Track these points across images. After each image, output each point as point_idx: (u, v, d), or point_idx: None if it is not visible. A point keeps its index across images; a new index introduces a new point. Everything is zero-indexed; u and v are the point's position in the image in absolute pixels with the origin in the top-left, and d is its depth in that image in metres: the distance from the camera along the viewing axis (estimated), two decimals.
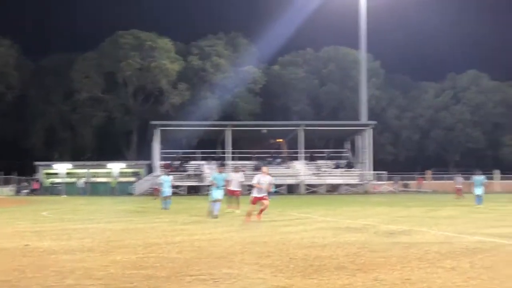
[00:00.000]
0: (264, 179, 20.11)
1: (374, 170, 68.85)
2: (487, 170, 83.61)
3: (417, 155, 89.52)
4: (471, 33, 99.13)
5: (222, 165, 48.79)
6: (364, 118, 71.51)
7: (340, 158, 73.70)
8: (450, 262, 10.69)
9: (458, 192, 43.86)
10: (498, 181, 76.56)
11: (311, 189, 63.21)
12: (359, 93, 73.99)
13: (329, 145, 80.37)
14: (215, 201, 22.12)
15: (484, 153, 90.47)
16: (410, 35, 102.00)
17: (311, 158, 71.40)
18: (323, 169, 68.87)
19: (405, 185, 73.77)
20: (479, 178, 31.20)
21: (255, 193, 20.03)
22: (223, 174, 23.82)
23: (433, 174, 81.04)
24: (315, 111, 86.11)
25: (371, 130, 68.71)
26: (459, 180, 45.42)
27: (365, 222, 20.12)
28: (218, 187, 22.44)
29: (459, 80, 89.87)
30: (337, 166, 70.21)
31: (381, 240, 14.36)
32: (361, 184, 66.77)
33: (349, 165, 71.14)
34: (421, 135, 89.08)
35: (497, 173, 78.94)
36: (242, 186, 28.06)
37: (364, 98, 72.39)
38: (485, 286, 8.35)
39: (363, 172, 68.12)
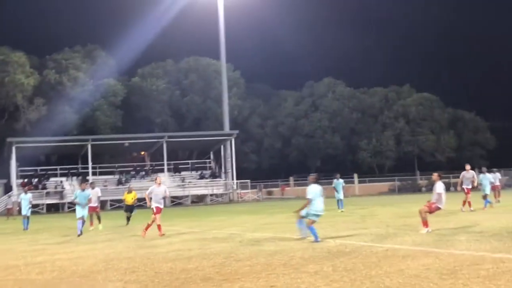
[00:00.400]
0: (158, 190, 19.72)
1: (238, 179, 69.54)
2: (346, 174, 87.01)
3: (280, 162, 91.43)
4: (327, 42, 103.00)
5: (85, 181, 47.36)
6: (226, 128, 72.07)
7: (204, 168, 73.88)
8: (313, 266, 10.90)
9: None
10: (356, 185, 79.81)
11: (176, 201, 62.82)
12: (221, 103, 74.55)
13: (193, 156, 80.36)
14: (79, 219, 21.40)
15: (343, 157, 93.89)
16: (269, 45, 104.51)
17: (175, 170, 71.07)
18: (188, 180, 68.70)
19: (269, 193, 75.19)
20: (339, 182, 32.13)
21: (155, 204, 19.60)
22: (86, 192, 23.04)
23: (295, 180, 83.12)
24: (178, 122, 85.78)
25: (234, 139, 69.35)
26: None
27: (230, 232, 20.19)
28: (80, 205, 21.72)
29: (316, 88, 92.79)
30: (202, 177, 70.31)
31: (247, 249, 14.44)
32: (226, 194, 67.23)
33: (214, 175, 71.46)
34: (283, 142, 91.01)
35: (355, 177, 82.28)
36: (100, 201, 27.44)
37: (226, 108, 72.98)
38: (347, 287, 8.55)
39: (228, 181, 68.65)
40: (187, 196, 64.81)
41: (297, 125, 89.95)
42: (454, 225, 18.56)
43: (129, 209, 28.05)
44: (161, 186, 20.19)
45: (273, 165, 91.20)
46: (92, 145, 65.54)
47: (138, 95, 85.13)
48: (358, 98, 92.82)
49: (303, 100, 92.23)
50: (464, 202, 25.54)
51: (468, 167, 27.59)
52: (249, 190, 70.27)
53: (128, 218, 27.47)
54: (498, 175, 32.57)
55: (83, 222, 21.65)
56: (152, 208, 19.64)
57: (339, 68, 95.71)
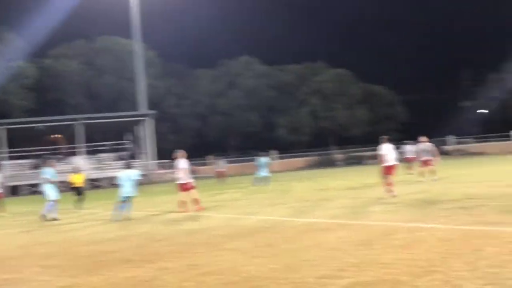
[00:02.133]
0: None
1: (157, 159, 68.99)
2: (265, 151, 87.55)
3: (198, 141, 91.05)
4: (241, 20, 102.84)
5: None
6: (143, 108, 71.16)
7: (122, 150, 72.86)
8: (234, 243, 11.03)
9: (220, 175, 45.31)
10: (276, 161, 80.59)
11: (95, 184, 61.75)
12: (137, 83, 73.49)
13: (110, 138, 79.06)
14: None
15: (262, 135, 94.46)
16: (183, 24, 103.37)
17: (92, 152, 69.78)
18: (106, 163, 67.63)
19: (193, 171, 74.88)
20: (264, 159, 32.21)
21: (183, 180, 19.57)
22: None
23: (215, 159, 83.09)
24: (93, 104, 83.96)
25: (151, 119, 68.63)
26: (222, 164, 46.96)
27: (150, 212, 20.10)
28: None
29: (232, 66, 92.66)
30: (120, 158, 69.31)
31: (167, 229, 14.43)
32: (145, 175, 66.62)
33: (132, 157, 70.59)
34: (201, 121, 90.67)
35: (275, 153, 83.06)
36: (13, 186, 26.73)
37: (142, 88, 72.03)
38: (267, 262, 8.69)
39: (146, 162, 68.00)
40: (105, 178, 63.83)
41: (214, 103, 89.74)
42: (369, 197, 19.06)
43: (78, 191, 27.19)
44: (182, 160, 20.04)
45: (192, 144, 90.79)
46: (6, 130, 63.58)
47: (51, 77, 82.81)
48: (274, 76, 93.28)
49: (219, 78, 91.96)
50: (422, 173, 25.52)
51: (423, 139, 26.87)
52: (168, 170, 69.85)
53: (80, 201, 26.63)
54: (411, 147, 33.28)
55: None
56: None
57: (254, 45, 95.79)
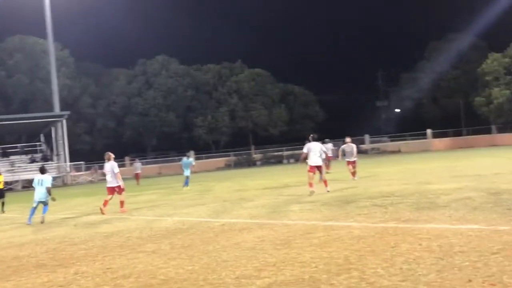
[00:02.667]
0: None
1: (72, 161, 67.49)
2: (183, 152, 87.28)
3: (114, 142, 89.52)
4: (157, 20, 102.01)
5: None
6: (57, 109, 69.35)
7: (35, 152, 70.94)
8: (151, 245, 10.84)
9: (136, 176, 44.89)
10: (195, 162, 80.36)
11: (7, 187, 59.79)
12: (50, 83, 71.60)
13: (22, 139, 76.84)
14: None
15: (179, 135, 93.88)
16: (98, 22, 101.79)
17: (3, 154, 67.65)
18: (18, 165, 65.66)
19: (104, 174, 73.69)
20: (188, 160, 31.88)
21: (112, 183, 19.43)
22: None
23: (131, 160, 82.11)
24: (4, 105, 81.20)
25: (65, 120, 67.02)
26: (137, 166, 46.48)
27: (64, 216, 19.59)
28: None
29: (149, 65, 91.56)
30: (33, 161, 67.44)
31: (82, 232, 14.09)
32: (59, 177, 65.05)
33: (45, 158, 68.84)
34: (116, 122, 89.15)
35: (192, 154, 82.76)
36: None
37: (55, 89, 70.12)
38: (185, 264, 8.58)
39: (60, 164, 66.40)
40: (17, 181, 61.94)
41: (131, 103, 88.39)
42: (288, 196, 19.18)
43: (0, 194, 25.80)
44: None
45: (107, 145, 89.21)
46: None
47: None
48: (192, 75, 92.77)
49: (136, 78, 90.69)
50: (353, 173, 25.40)
51: (348, 139, 26.52)
52: (82, 172, 68.49)
53: (3, 204, 25.37)
54: (330, 145, 33.67)
55: None
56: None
57: (172, 45, 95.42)
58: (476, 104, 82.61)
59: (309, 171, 19.65)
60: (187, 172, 30.90)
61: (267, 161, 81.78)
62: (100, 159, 74.69)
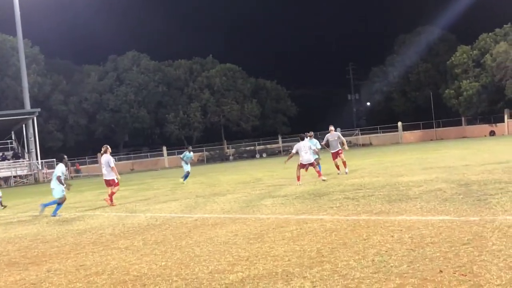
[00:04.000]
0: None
1: (43, 158, 66.81)
2: (155, 148, 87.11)
3: (86, 139, 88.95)
4: (128, 15, 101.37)
5: None
6: (27, 106, 68.56)
7: (6, 149, 70.11)
8: (123, 242, 10.81)
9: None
10: (166, 157, 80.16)
11: None
12: (20, 81, 70.78)
13: None
14: None
15: (151, 131, 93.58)
16: (68, 19, 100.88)
17: None
18: None
19: (77, 171, 73.24)
20: (190, 155, 30.35)
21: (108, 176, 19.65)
22: None
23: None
24: None
25: (36, 118, 66.28)
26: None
27: (36, 213, 19.40)
28: None
29: (120, 62, 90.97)
30: (4, 159, 66.67)
31: (54, 229, 13.98)
32: (31, 175, 64.42)
33: (16, 156, 68.09)
34: (88, 119, 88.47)
35: (164, 149, 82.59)
36: None
37: (25, 86, 69.30)
38: (158, 260, 8.57)
39: (32, 161, 65.72)
40: None
41: (102, 100, 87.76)
42: (260, 191, 19.22)
43: None
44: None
45: (80, 142, 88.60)
46: None
47: None
48: (164, 71, 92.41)
49: (107, 74, 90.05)
50: (337, 167, 23.61)
51: (331, 127, 24.16)
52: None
53: None
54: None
55: None
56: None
57: (142, 41, 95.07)
58: (446, 96, 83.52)
59: (300, 167, 20.52)
60: (187, 167, 29.92)
61: (240, 156, 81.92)
62: (73, 156, 74.29)
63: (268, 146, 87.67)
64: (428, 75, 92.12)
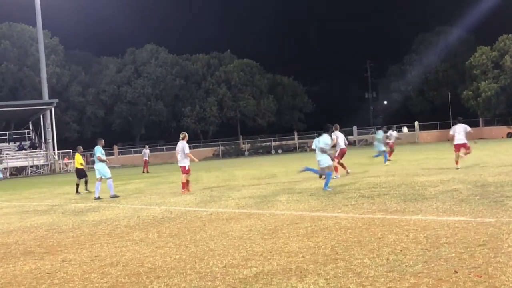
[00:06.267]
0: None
1: (60, 149, 67.20)
2: (171, 141, 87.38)
3: (103, 131, 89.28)
4: (147, 8, 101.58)
5: None
6: (46, 97, 68.96)
7: (23, 139, 70.64)
8: (138, 234, 10.85)
9: (145, 164, 44.50)
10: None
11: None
12: (39, 71, 71.19)
13: (10, 127, 76.44)
14: None
15: (167, 124, 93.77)
16: (88, 10, 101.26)
17: None
18: (6, 152, 65.38)
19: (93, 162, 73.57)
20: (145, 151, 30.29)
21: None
22: None
23: (119, 149, 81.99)
24: None
25: (54, 108, 66.64)
26: (146, 153, 45.93)
27: (52, 203, 19.53)
28: None
29: (138, 54, 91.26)
30: (21, 148, 67.17)
31: (70, 220, 14.06)
32: (47, 165, 64.84)
33: (33, 146, 68.56)
34: (105, 110, 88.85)
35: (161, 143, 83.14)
36: None
37: (44, 76, 69.70)
38: (172, 253, 8.59)
39: (49, 152, 66.14)
40: (5, 169, 61.67)
41: (120, 92, 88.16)
42: (275, 187, 19.20)
43: None
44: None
45: (96, 133, 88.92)
46: None
47: None
48: (181, 65, 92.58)
49: (125, 67, 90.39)
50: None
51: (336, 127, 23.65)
52: (71, 160, 68.26)
53: (86, 182, 24.89)
54: (394, 133, 31.75)
55: None
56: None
57: (161, 35, 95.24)
58: (464, 97, 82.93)
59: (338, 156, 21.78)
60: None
61: (255, 151, 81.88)
62: (89, 147, 74.70)
63: (284, 142, 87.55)
64: (447, 75, 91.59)
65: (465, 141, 21.87)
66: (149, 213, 14.13)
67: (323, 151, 17.23)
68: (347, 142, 22.98)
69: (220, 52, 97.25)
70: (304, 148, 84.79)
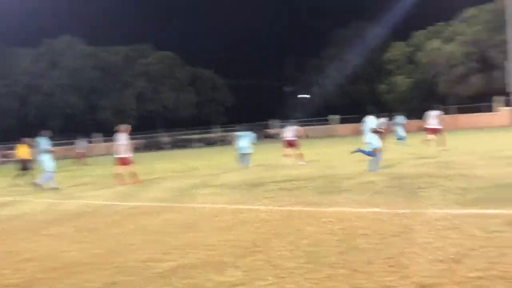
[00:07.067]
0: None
1: None
2: (89, 134, 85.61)
3: (17, 123, 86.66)
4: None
5: None
6: None
7: None
8: (54, 228, 10.63)
9: (80, 156, 43.15)
10: (101, 144, 78.91)
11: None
12: None
13: None
14: None
15: (84, 117, 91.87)
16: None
17: None
18: None
19: (6, 155, 71.41)
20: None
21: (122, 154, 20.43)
22: None
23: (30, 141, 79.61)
24: None
25: None
26: (82, 145, 44.54)
27: None
28: None
29: (55, 45, 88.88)
30: None
31: None
32: None
33: None
34: (20, 102, 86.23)
35: (99, 136, 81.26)
36: None
37: None
38: (89, 247, 8.47)
39: None
40: None
41: (35, 83, 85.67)
42: (196, 180, 19.17)
43: None
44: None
45: (10, 126, 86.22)
46: None
47: None
48: (99, 57, 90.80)
49: (41, 57, 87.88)
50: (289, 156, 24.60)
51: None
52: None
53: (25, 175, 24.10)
54: (382, 119, 31.29)
55: None
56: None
57: (79, 25, 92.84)
58: (380, 91, 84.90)
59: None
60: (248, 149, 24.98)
61: (176, 145, 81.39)
62: (3, 140, 72.37)
63: (205, 135, 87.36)
64: (364, 69, 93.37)
65: (438, 127, 25.49)
66: (66, 207, 13.86)
67: (374, 131, 18.10)
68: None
69: (140, 44, 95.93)
70: (225, 142, 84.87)
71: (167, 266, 6.95)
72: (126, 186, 18.85)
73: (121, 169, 20.32)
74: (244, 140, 24.27)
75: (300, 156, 23.96)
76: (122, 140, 20.51)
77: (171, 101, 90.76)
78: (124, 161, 20.36)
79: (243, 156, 24.16)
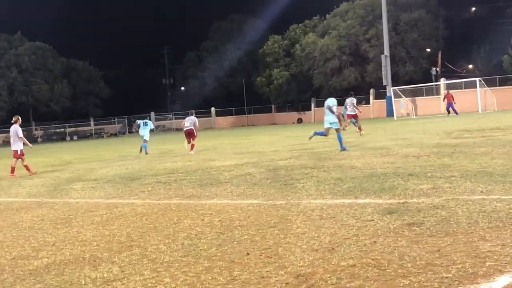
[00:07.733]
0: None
1: None
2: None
3: None
4: None
5: None
6: None
7: None
8: None
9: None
10: None
11: None
12: None
13: None
14: None
15: None
16: None
17: None
18: None
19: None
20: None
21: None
22: None
23: None
24: None
25: None
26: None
27: None
28: None
29: None
30: None
31: None
32: None
33: None
34: None
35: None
36: None
37: None
38: None
39: None
40: None
41: None
42: (70, 174, 18.67)
43: None
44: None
45: None
46: None
47: None
48: None
49: None
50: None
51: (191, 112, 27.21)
52: None
53: None
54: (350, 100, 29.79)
55: None
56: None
57: None
58: (258, 84, 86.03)
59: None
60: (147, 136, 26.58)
61: (49, 138, 78.99)
62: None
63: (80, 128, 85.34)
64: (241, 62, 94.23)
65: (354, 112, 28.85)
66: None
67: (331, 110, 18.94)
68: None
69: (10, 34, 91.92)
70: (101, 134, 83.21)
71: (39, 263, 6.68)
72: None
73: (14, 161, 20.13)
74: (145, 128, 26.19)
75: (193, 147, 25.11)
76: (13, 132, 20.34)
77: (44, 93, 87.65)
78: (15, 154, 20.21)
79: (145, 143, 25.75)
